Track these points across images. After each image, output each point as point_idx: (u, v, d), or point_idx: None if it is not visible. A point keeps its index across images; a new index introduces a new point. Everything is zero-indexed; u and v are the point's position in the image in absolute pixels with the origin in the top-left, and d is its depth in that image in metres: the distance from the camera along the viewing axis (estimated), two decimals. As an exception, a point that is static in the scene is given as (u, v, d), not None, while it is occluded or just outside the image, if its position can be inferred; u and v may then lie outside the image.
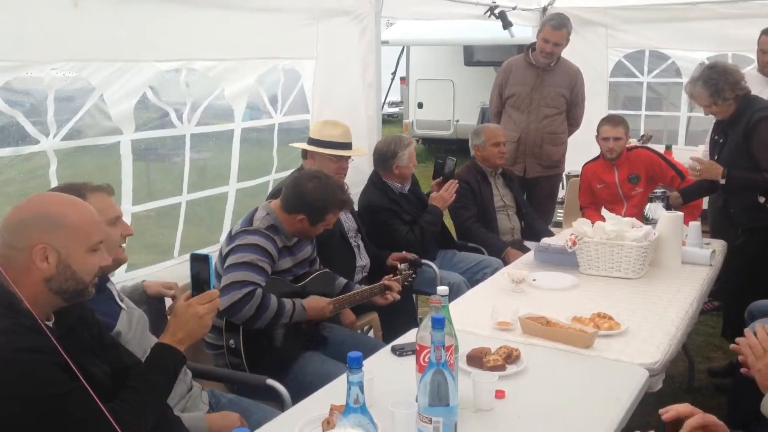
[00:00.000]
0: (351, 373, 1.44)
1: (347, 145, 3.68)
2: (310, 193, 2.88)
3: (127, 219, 3.17)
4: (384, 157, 4.02)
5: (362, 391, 1.45)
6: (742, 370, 1.95)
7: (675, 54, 6.01)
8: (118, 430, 1.49)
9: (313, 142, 3.67)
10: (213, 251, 3.34)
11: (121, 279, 2.93)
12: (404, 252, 3.76)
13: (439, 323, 1.62)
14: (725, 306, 4.24)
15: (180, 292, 2.53)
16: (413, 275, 3.43)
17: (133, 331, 2.15)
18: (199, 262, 1.89)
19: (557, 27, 4.81)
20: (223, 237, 3.62)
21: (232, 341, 2.74)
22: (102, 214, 1.93)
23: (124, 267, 3.10)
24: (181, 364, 1.87)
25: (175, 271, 3.23)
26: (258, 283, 2.68)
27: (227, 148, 3.75)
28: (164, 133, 3.39)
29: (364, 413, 1.45)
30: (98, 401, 1.51)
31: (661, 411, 1.63)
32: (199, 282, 1.89)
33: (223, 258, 2.81)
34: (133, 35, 3.01)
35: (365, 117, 4.57)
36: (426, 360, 1.80)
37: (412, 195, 4.16)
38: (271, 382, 2.46)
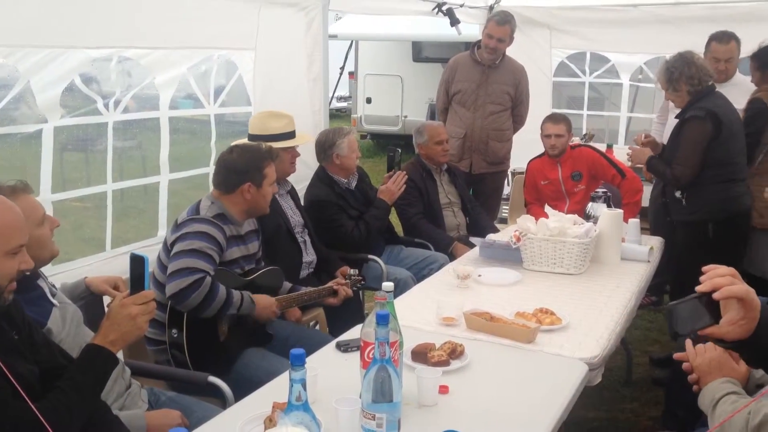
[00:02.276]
0: (293, 370, 1.42)
1: (292, 134, 3.64)
2: (239, 160, 2.93)
3: (47, 207, 3.07)
4: (323, 147, 4.01)
5: (305, 389, 1.43)
6: (689, 377, 1.96)
7: (614, 57, 6.13)
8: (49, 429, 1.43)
9: (254, 138, 3.56)
10: (151, 245, 3.27)
11: (51, 272, 2.84)
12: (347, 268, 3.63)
13: (384, 319, 1.62)
14: (671, 299, 4.37)
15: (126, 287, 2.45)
16: (362, 281, 3.43)
17: (67, 328, 2.08)
18: (135, 262, 1.86)
19: (501, 23, 4.88)
20: (161, 231, 3.55)
21: (174, 330, 2.69)
22: (29, 217, 1.86)
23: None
24: (112, 366, 1.83)
25: (109, 264, 3.14)
26: (206, 271, 2.64)
27: (154, 138, 3.66)
28: (87, 120, 3.30)
29: (307, 411, 1.44)
30: (26, 399, 1.45)
31: (702, 278, 1.40)
32: (136, 283, 1.85)
33: (168, 247, 2.77)
34: (65, 21, 2.92)
35: (311, 111, 4.53)
36: (370, 356, 1.80)
37: (358, 192, 4.14)
38: (213, 379, 2.42)
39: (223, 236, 2.79)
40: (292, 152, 3.62)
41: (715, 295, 1.36)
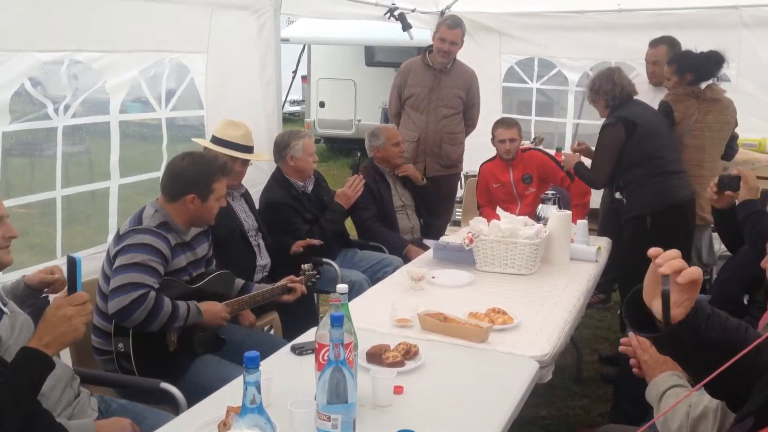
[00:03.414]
0: (247, 372, 1.42)
1: (248, 149, 3.60)
2: (188, 170, 2.80)
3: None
4: (279, 147, 4.02)
5: (259, 391, 1.43)
6: (634, 370, 2.02)
7: (561, 62, 6.25)
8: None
9: (214, 140, 3.57)
10: (101, 252, 3.21)
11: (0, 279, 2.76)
12: (308, 239, 3.77)
13: (338, 321, 1.63)
14: (621, 298, 4.49)
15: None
16: (317, 275, 3.42)
17: (16, 336, 2.02)
18: (70, 263, 1.85)
19: (452, 26, 4.95)
20: (110, 236, 3.48)
21: (121, 345, 2.61)
22: None
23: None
24: (47, 369, 1.79)
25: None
26: (150, 285, 2.56)
27: (104, 142, 3.59)
28: (36, 125, 3.22)
29: (261, 413, 1.43)
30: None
31: (658, 261, 1.40)
32: (72, 284, 1.84)
33: (111, 259, 2.67)
34: (14, 24, 2.85)
35: (264, 115, 4.51)
36: (325, 358, 1.80)
37: (314, 195, 4.14)
38: (165, 385, 2.38)
39: (167, 246, 2.69)
40: (237, 166, 3.56)
41: (679, 280, 1.37)
